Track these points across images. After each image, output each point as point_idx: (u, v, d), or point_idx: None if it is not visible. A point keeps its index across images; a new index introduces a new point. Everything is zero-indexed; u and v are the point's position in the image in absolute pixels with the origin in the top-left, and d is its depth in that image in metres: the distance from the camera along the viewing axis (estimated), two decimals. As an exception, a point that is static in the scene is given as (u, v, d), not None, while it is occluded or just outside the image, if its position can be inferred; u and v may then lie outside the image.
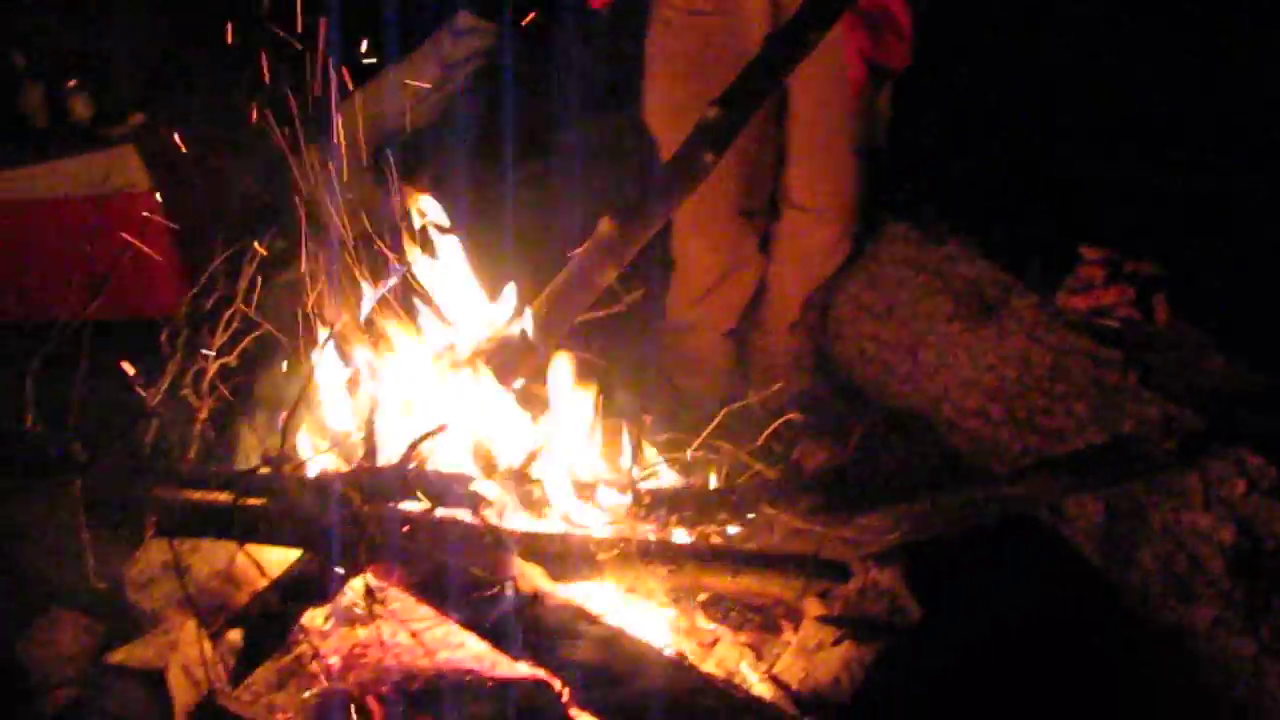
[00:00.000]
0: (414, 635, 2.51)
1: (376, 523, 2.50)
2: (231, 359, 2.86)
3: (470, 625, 2.59)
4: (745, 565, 2.66)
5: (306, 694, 2.64)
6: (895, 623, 2.56)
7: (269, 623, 2.82)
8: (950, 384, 3.32)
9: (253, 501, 2.53)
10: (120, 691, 2.54)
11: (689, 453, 2.94)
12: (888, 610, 2.65)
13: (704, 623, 2.82)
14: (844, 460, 3.13)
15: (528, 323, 2.83)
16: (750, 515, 2.83)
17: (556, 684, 2.47)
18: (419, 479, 2.58)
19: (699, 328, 3.75)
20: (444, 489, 2.58)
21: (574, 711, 2.48)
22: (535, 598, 2.50)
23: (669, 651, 2.52)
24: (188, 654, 2.60)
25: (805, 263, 3.60)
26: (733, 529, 2.84)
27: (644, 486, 2.78)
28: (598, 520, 2.71)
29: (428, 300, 2.88)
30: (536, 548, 2.59)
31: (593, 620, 2.50)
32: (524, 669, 2.54)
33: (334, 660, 2.73)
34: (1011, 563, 2.90)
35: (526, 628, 2.47)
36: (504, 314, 2.92)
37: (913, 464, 3.30)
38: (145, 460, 2.55)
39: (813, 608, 2.69)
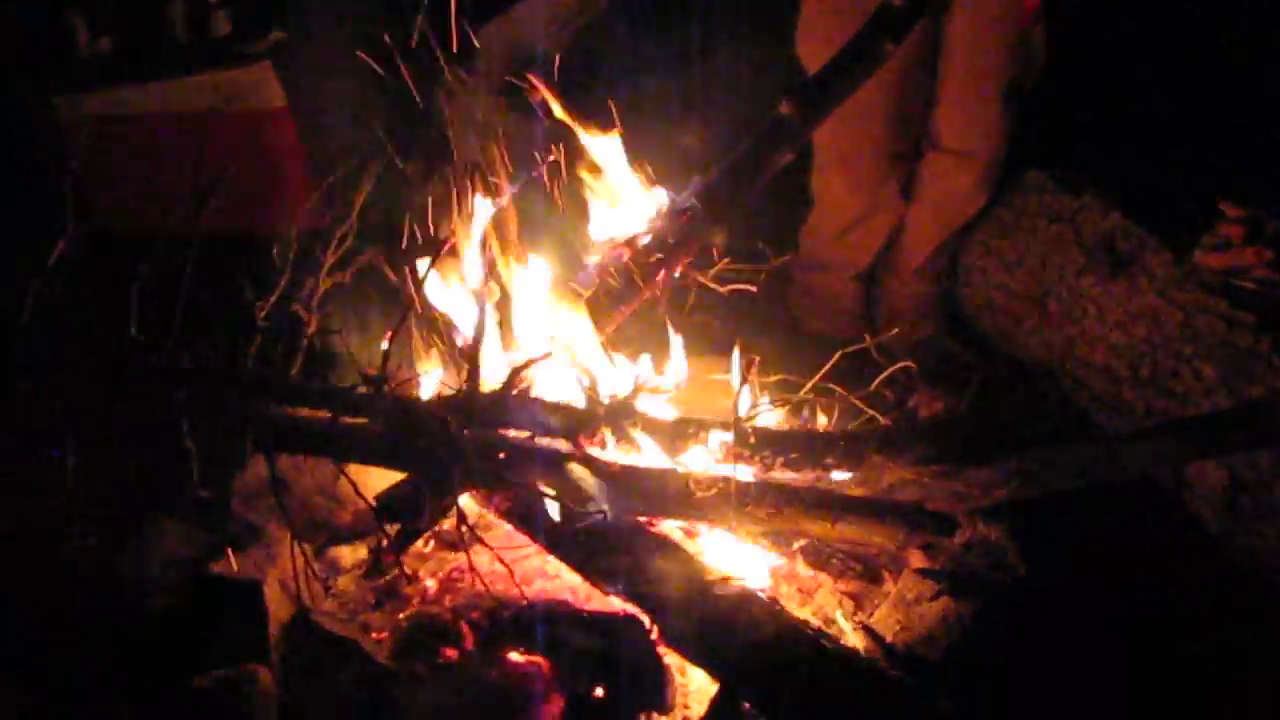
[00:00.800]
0: (508, 564, 2.48)
1: (474, 448, 2.47)
2: (344, 276, 2.84)
3: (564, 558, 2.59)
4: (847, 512, 2.57)
5: (401, 615, 2.66)
6: (998, 580, 2.48)
7: (368, 542, 2.87)
8: (1076, 339, 3.21)
9: (351, 420, 2.52)
10: (217, 601, 2.59)
11: (800, 394, 2.86)
12: (992, 566, 2.57)
13: (804, 569, 2.78)
14: (960, 410, 3.03)
15: (696, 195, 2.79)
16: (858, 461, 2.76)
17: (646, 620, 2.45)
18: (520, 406, 2.56)
19: (832, 267, 3.66)
20: (543, 418, 2.56)
21: (662, 649, 2.45)
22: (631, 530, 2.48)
23: (764, 595, 2.46)
24: (285, 569, 2.63)
25: (944, 207, 3.50)
26: (839, 475, 2.76)
27: (750, 426, 2.71)
28: (699, 458, 2.66)
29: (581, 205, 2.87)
30: (634, 483, 2.55)
31: (687, 560, 2.47)
32: (616, 604, 2.53)
33: (429, 584, 2.74)
34: (1125, 526, 2.80)
35: (618, 562, 2.47)
36: (669, 201, 2.88)
37: (1031, 418, 3.19)
38: (247, 373, 2.53)
39: (915, 559, 2.62)
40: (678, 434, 2.65)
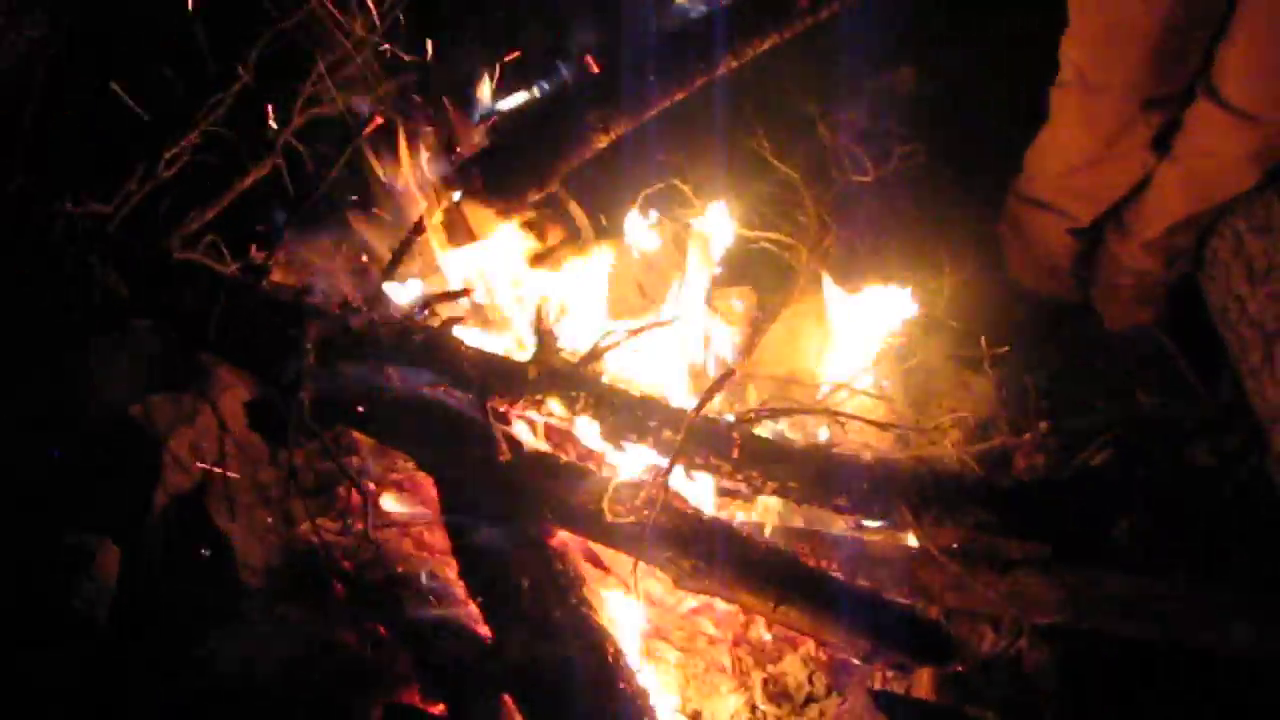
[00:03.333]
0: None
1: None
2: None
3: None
4: (801, 595, 1.95)
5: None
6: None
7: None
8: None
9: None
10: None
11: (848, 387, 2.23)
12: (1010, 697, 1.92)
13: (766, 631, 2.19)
14: (1061, 475, 2.26)
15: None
16: (880, 512, 2.09)
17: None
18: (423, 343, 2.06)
19: (1052, 208, 2.83)
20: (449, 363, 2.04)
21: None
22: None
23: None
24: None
25: (1202, 173, 2.57)
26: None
27: (741, 430, 2.09)
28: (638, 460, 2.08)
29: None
30: (535, 478, 2.01)
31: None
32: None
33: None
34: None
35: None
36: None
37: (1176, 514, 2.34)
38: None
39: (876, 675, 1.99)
40: (628, 419, 2.06)
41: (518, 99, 2.64)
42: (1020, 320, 2.76)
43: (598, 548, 2.17)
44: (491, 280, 2.34)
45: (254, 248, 2.28)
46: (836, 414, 2.11)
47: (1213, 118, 2.46)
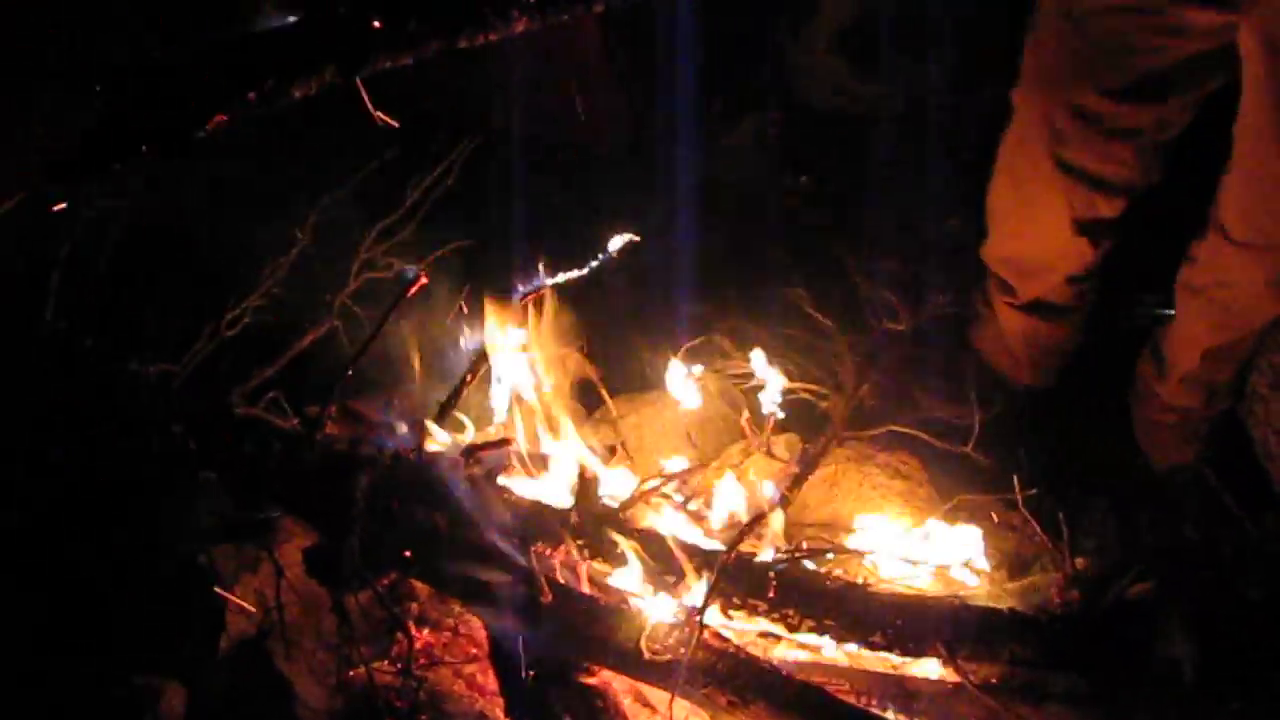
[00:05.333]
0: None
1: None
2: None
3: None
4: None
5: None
6: None
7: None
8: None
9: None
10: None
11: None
12: None
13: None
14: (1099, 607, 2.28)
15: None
16: (915, 649, 2.14)
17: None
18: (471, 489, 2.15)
19: (994, 279, 2.85)
20: (495, 511, 2.14)
21: None
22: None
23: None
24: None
25: (1225, 302, 2.60)
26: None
27: (775, 569, 2.16)
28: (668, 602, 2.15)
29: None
30: (572, 617, 2.08)
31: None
32: None
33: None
34: None
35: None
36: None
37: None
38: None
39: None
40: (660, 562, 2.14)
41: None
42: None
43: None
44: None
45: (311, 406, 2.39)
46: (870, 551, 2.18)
47: (1223, 251, 2.50)
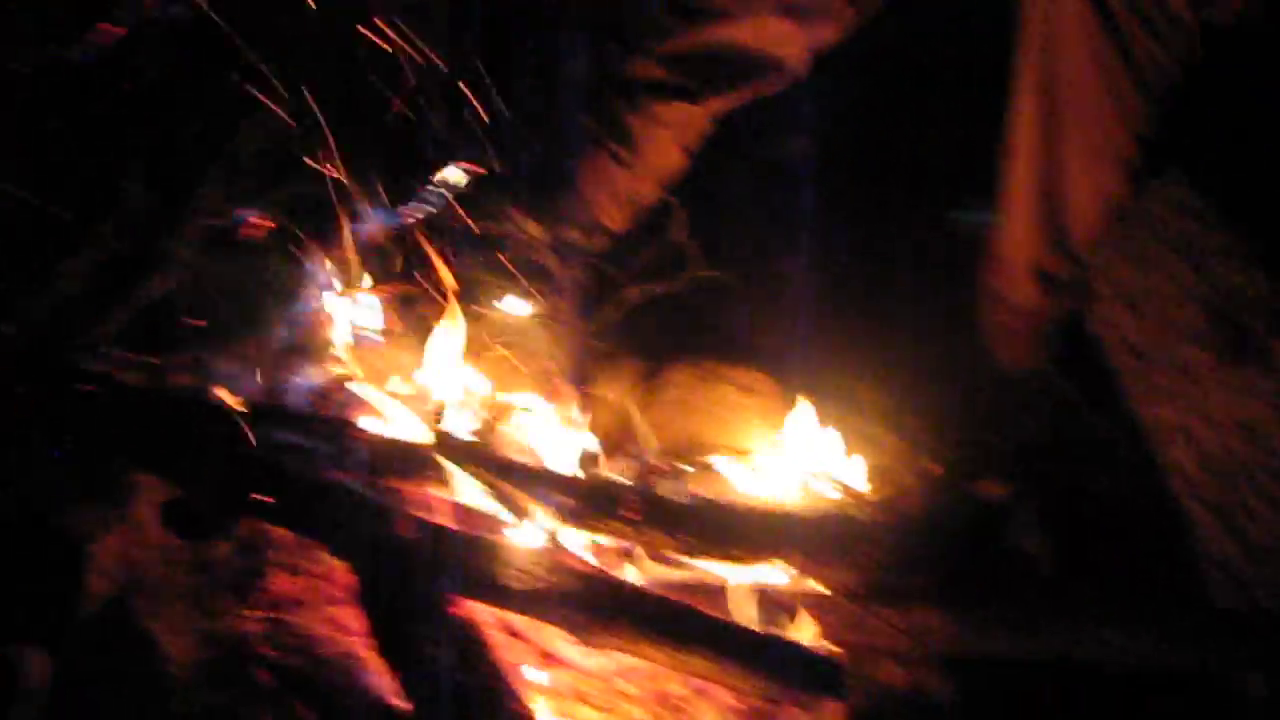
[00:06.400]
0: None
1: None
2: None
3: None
4: (701, 643, 2.01)
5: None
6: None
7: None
8: (1179, 449, 2.39)
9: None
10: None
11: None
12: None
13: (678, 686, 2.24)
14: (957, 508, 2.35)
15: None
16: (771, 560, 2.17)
17: None
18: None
19: None
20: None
21: None
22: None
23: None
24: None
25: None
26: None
27: (639, 492, 2.18)
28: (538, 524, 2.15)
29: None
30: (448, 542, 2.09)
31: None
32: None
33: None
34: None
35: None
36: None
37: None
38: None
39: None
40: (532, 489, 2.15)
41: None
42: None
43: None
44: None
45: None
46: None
47: None
